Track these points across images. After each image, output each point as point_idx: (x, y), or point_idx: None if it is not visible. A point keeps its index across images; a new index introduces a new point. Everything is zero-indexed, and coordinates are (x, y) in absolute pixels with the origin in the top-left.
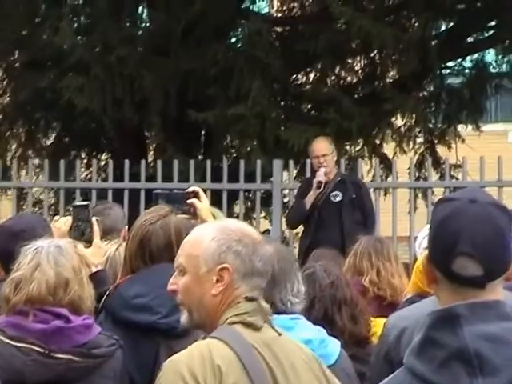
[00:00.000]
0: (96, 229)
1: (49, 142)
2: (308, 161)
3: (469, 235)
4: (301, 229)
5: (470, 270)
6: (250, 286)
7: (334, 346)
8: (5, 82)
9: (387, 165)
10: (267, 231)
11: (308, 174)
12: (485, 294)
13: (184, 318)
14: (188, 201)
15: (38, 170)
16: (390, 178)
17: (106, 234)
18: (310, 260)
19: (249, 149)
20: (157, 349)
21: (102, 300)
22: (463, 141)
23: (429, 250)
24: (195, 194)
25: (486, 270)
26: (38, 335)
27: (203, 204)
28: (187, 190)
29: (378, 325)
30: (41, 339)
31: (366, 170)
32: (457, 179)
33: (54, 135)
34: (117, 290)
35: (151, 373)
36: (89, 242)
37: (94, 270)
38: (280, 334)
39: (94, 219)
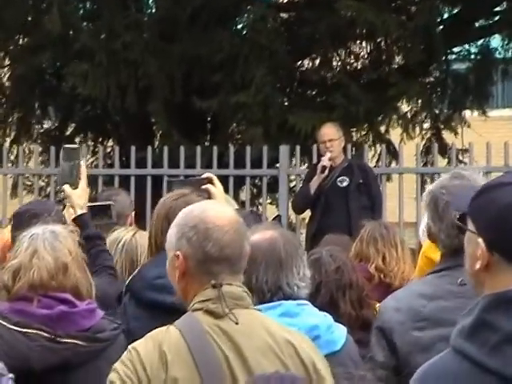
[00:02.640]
0: (84, 171)
1: (53, 129)
2: (314, 146)
3: None
4: (307, 214)
5: None
6: (208, 272)
7: (341, 332)
8: (9, 68)
9: (391, 150)
10: (278, 216)
11: (314, 160)
12: None
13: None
14: (203, 186)
15: (40, 157)
16: (394, 164)
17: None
18: (320, 245)
19: (253, 135)
20: None
21: (127, 282)
22: (469, 126)
23: (488, 235)
24: (209, 180)
25: None
26: (44, 320)
27: (218, 190)
28: (202, 176)
29: None
30: (46, 324)
31: (371, 155)
32: (464, 164)
33: (57, 122)
34: (140, 271)
35: None
36: (75, 185)
37: (79, 212)
38: (237, 323)
39: (82, 162)
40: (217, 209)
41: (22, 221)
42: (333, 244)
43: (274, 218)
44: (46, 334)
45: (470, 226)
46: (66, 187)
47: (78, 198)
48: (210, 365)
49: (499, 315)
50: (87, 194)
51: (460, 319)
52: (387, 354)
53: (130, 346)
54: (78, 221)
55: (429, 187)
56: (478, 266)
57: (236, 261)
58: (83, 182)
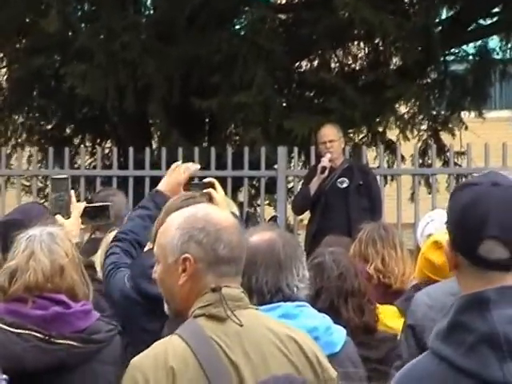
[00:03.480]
0: (74, 201)
1: (50, 129)
2: (313, 148)
3: (496, 219)
4: (305, 216)
5: (497, 253)
6: (217, 274)
7: (340, 334)
8: (7, 69)
9: (393, 151)
10: (275, 217)
11: (313, 161)
12: (510, 278)
13: (165, 307)
14: (205, 190)
15: (40, 158)
16: (394, 165)
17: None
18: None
19: (252, 137)
20: (162, 324)
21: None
22: (466, 128)
23: (451, 236)
24: (211, 185)
25: None
26: (38, 321)
27: (219, 195)
28: (204, 181)
29: (382, 312)
30: (40, 325)
31: (372, 156)
32: (461, 166)
33: (55, 122)
34: (141, 256)
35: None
36: (67, 214)
37: (73, 241)
38: (241, 325)
39: (72, 192)
40: (217, 211)
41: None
42: (333, 245)
43: (270, 219)
44: (39, 335)
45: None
46: (59, 217)
47: (71, 226)
48: (218, 371)
49: (473, 316)
50: (79, 223)
51: (439, 321)
52: (414, 353)
53: (132, 364)
54: None
55: None
56: (449, 268)
57: (241, 261)
58: (75, 212)
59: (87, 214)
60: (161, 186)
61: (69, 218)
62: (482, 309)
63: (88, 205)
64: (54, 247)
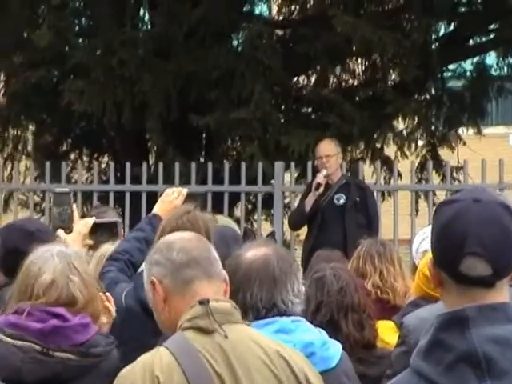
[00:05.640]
0: (77, 216)
1: (48, 144)
2: (309, 163)
3: (476, 235)
4: (302, 231)
5: (478, 269)
6: (182, 281)
7: (336, 349)
8: (5, 83)
9: (390, 167)
10: (273, 233)
11: (310, 177)
12: (492, 295)
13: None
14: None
15: (37, 172)
16: (391, 181)
17: None
18: (315, 261)
19: (250, 152)
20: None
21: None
22: (464, 143)
23: (434, 253)
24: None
25: (494, 269)
26: (36, 334)
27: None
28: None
29: (380, 327)
30: (39, 338)
31: (370, 172)
32: (459, 182)
33: (53, 137)
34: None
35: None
36: (69, 229)
37: None
38: (226, 337)
39: (74, 206)
40: (180, 233)
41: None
42: (325, 260)
43: (268, 235)
44: (38, 347)
45: None
46: (60, 232)
47: (73, 242)
48: (202, 382)
49: (453, 334)
50: (81, 237)
51: (420, 338)
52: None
53: (121, 375)
54: None
55: None
56: (433, 285)
57: (207, 263)
58: (77, 227)
59: (96, 231)
60: (157, 210)
61: (71, 232)
62: (462, 327)
63: (97, 220)
64: (82, 264)
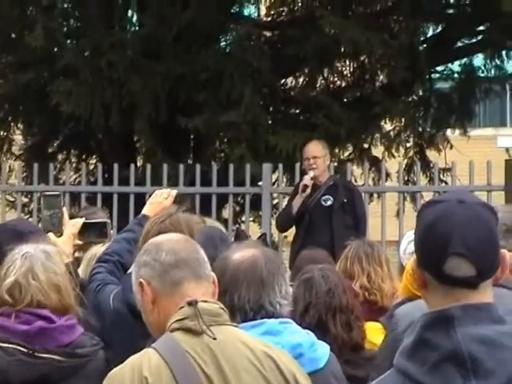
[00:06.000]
0: (67, 218)
1: (37, 145)
2: (297, 165)
3: (460, 235)
4: (290, 232)
5: (462, 270)
6: (171, 282)
7: (324, 350)
8: None
9: (379, 168)
10: (264, 235)
11: (298, 178)
12: (476, 295)
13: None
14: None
15: (24, 173)
16: (380, 182)
17: None
18: (299, 261)
19: (238, 154)
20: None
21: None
22: (451, 146)
23: (417, 254)
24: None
25: (478, 269)
26: (22, 336)
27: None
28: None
29: (368, 328)
30: (25, 340)
31: (358, 173)
32: (446, 183)
33: (41, 138)
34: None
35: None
36: (59, 232)
37: (66, 260)
38: (215, 338)
39: (64, 209)
40: (169, 235)
41: None
42: (309, 259)
43: (259, 237)
44: (24, 349)
45: None
46: (51, 235)
47: (64, 245)
48: (191, 383)
49: (438, 334)
50: (72, 240)
51: (404, 338)
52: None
53: (109, 376)
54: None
55: None
56: (416, 286)
57: (195, 264)
58: (68, 229)
59: (85, 231)
60: (147, 211)
61: (61, 235)
62: (447, 326)
63: (86, 221)
64: (49, 265)
